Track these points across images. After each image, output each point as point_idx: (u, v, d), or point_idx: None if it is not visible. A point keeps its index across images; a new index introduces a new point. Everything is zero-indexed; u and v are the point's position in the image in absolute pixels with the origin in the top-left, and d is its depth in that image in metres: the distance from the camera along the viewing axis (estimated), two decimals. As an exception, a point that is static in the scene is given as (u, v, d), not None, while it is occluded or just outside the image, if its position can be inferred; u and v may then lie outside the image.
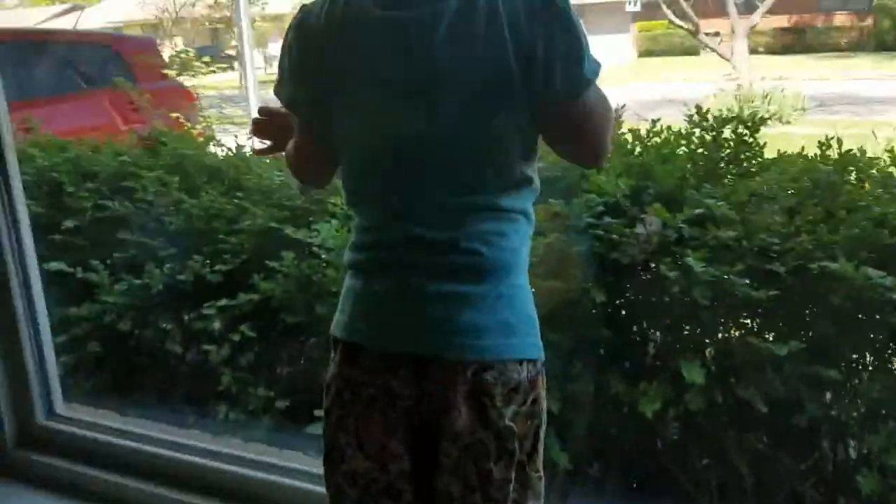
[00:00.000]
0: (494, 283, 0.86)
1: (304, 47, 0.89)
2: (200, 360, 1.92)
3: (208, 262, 1.92)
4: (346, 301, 0.95)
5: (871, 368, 1.56)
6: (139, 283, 1.96)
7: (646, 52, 26.09)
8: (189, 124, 3.68)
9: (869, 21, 24.66)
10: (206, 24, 23.30)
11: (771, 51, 24.69)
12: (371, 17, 0.83)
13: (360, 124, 0.87)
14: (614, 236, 1.61)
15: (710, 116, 1.82)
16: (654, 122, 2.01)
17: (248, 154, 2.28)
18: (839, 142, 1.76)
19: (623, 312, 1.70)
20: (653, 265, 1.62)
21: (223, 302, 1.82)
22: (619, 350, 1.68)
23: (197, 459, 1.83)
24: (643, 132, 1.95)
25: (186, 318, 1.98)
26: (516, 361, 0.86)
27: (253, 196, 2.05)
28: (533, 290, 0.93)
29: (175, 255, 1.98)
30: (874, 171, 1.79)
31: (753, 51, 15.20)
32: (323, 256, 1.77)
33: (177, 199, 2.02)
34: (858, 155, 1.78)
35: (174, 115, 3.48)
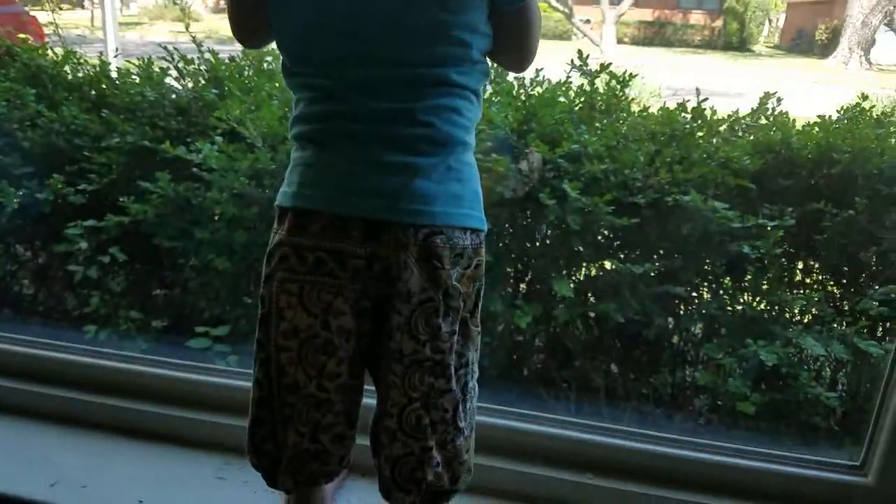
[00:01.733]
0: (444, 156, 0.91)
1: None
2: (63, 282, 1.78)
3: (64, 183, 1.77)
4: (294, 173, 0.95)
5: (709, 289, 1.78)
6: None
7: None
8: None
9: (719, 22, 26.97)
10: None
11: (634, 41, 26.39)
12: None
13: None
14: (501, 169, 1.69)
15: (588, 62, 1.94)
16: (537, 71, 2.13)
17: (112, 72, 2.13)
18: (697, 92, 1.95)
19: (508, 237, 1.79)
20: (533, 197, 1.72)
21: (90, 223, 1.70)
22: (497, 276, 1.77)
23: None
24: (527, 81, 2.06)
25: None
26: (462, 229, 0.93)
27: (120, 115, 1.93)
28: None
29: (32, 175, 1.81)
30: (722, 128, 2.01)
31: (620, 40, 16.12)
32: (205, 177, 1.70)
33: (34, 111, 1.85)
34: (709, 112, 1.99)
35: (22, 36, 3.13)
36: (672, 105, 2.01)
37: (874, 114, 2.04)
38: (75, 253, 1.72)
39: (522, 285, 1.85)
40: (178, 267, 1.82)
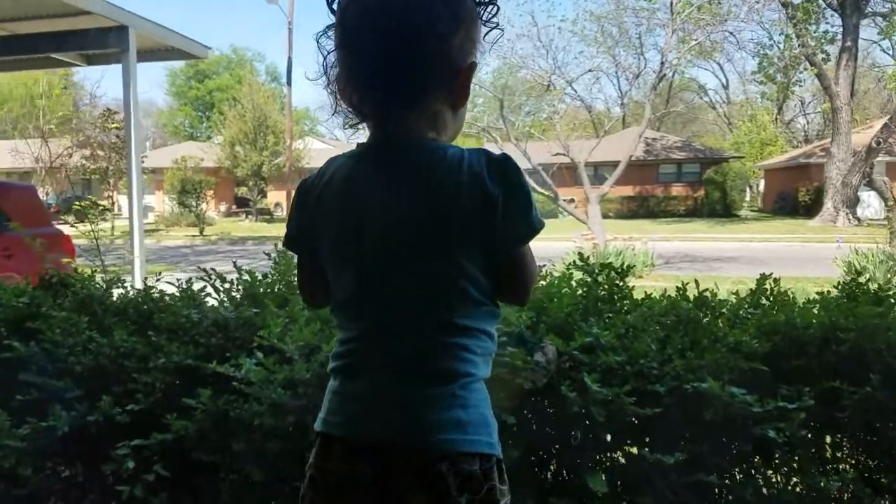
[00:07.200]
0: (449, 386, 0.98)
1: (302, 205, 1.09)
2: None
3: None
4: (326, 400, 1.06)
5: (741, 475, 1.79)
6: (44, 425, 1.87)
7: (513, 214, 28.33)
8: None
9: (701, 192, 28.80)
10: (81, 174, 23.06)
11: (619, 215, 27.99)
12: (362, 179, 1.02)
13: (350, 257, 1.02)
14: (518, 363, 1.79)
15: (590, 261, 2.13)
16: (540, 267, 2.31)
17: (157, 295, 2.31)
18: (697, 283, 2.10)
19: (533, 429, 1.85)
20: (553, 388, 1.80)
21: (136, 441, 1.78)
22: (528, 468, 1.80)
23: None
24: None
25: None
26: (468, 455, 0.95)
27: (163, 335, 2.07)
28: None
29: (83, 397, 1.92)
30: (724, 310, 2.14)
31: (605, 215, 17.07)
32: (245, 391, 1.80)
33: (87, 337, 1.99)
34: (710, 297, 2.14)
35: (65, 260, 3.41)
36: (672, 281, 2.15)
37: (870, 288, 2.14)
38: (121, 472, 1.77)
39: (549, 475, 1.87)
40: (220, 481, 1.85)
